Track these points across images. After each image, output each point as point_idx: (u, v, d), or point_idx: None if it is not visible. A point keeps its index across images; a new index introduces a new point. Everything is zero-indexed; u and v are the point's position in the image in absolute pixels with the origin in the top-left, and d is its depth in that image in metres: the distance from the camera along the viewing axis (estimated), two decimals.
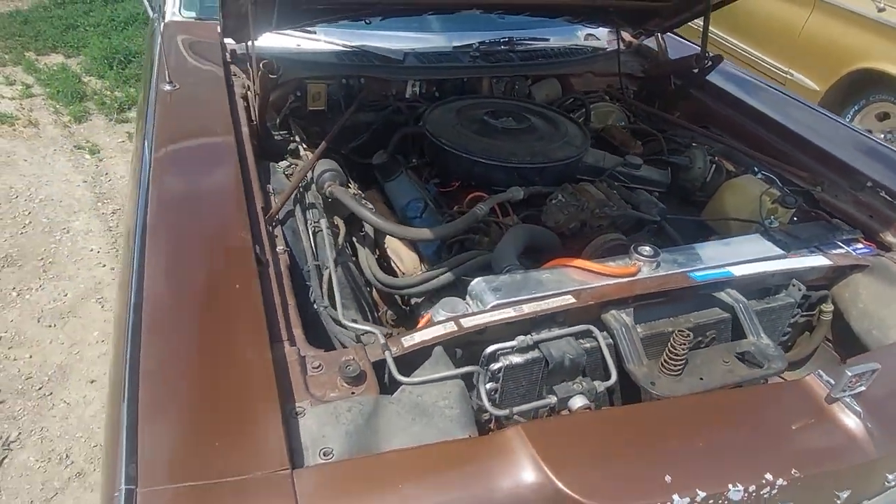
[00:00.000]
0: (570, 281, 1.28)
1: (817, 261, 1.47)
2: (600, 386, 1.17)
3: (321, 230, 1.49)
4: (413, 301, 1.58)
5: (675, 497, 0.83)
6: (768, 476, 0.87)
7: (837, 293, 1.53)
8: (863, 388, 0.97)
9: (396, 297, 1.60)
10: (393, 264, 1.67)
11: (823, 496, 0.92)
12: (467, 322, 1.14)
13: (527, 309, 1.18)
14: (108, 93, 4.32)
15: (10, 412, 2.08)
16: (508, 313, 1.17)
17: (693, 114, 2.26)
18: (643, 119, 2.27)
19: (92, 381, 2.21)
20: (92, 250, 2.84)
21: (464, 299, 1.26)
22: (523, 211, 1.67)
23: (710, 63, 2.15)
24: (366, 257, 1.58)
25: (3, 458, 1.94)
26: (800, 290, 1.43)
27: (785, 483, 0.87)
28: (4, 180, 3.29)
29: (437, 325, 1.13)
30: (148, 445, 0.80)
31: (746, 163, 1.98)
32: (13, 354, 2.28)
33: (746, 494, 0.86)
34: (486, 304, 1.20)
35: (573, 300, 1.21)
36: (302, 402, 0.96)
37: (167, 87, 1.70)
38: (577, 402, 1.13)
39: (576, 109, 2.23)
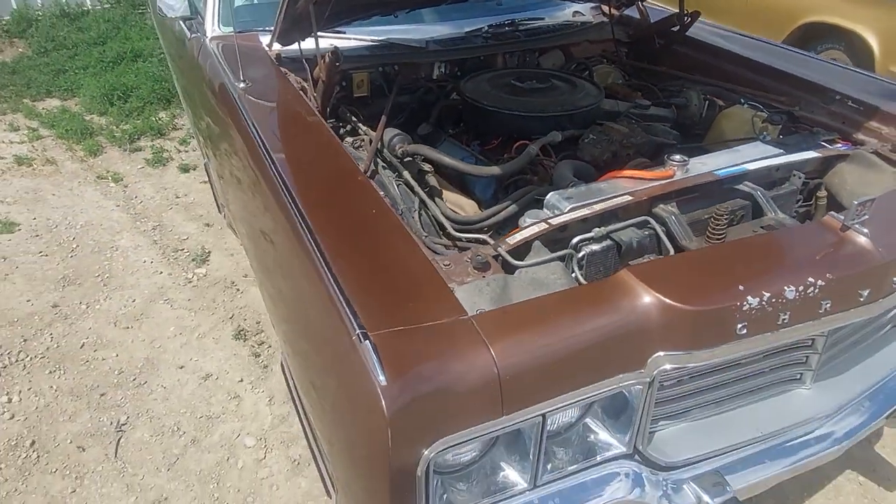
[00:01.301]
0: (622, 187, 1.58)
1: (809, 154, 1.80)
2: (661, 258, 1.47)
3: (401, 182, 1.78)
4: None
5: (749, 298, 1.13)
6: (810, 279, 1.18)
7: (828, 181, 1.86)
8: (867, 216, 1.28)
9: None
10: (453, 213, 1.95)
11: (851, 294, 1.23)
12: (554, 221, 1.43)
13: (597, 207, 1.48)
14: (115, 127, 4.52)
15: (113, 401, 2.29)
16: (583, 212, 1.47)
17: (678, 66, 2.60)
18: (637, 76, 2.60)
19: (181, 367, 2.43)
20: (145, 262, 3.05)
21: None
22: (561, 152, 1.97)
23: (689, 19, 2.49)
24: (436, 205, 1.86)
25: (119, 439, 2.15)
26: (800, 178, 1.76)
27: (822, 283, 1.18)
28: (39, 213, 3.48)
29: (531, 226, 1.42)
30: (358, 304, 1.07)
31: (732, 98, 2.32)
32: (100, 356, 2.49)
33: (797, 293, 1.16)
34: (564, 208, 1.49)
35: (630, 198, 1.52)
36: (450, 283, 1.23)
37: (242, 86, 1.97)
38: None
39: (580, 73, 2.55)
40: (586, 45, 2.66)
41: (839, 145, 1.97)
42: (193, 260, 3.04)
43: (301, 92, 2.07)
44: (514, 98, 2.06)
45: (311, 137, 1.71)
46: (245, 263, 2.99)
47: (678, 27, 2.55)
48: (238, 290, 2.84)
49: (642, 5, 2.73)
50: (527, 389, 1.07)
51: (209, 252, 3.10)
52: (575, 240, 1.43)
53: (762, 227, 1.55)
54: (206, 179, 3.77)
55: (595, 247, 1.45)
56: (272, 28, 2.39)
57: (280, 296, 1.57)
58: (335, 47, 1.87)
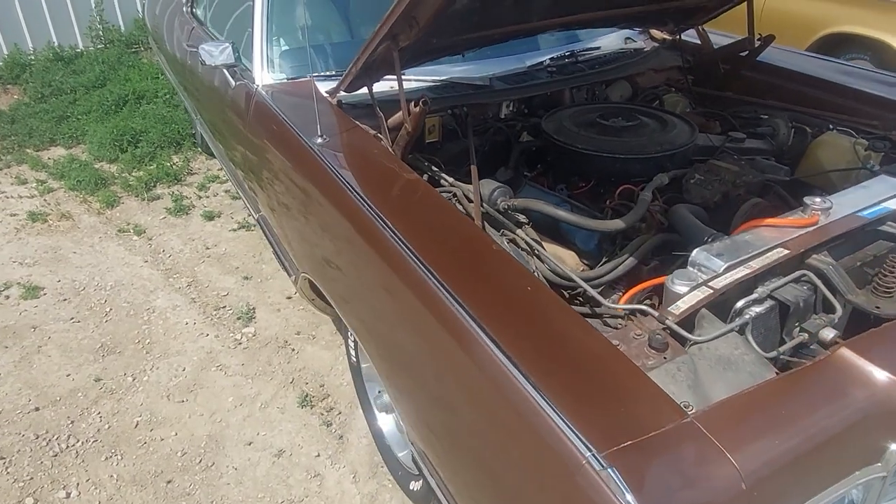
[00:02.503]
0: (769, 238, 1.45)
1: None
2: (834, 318, 1.33)
3: (514, 239, 1.64)
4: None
5: None
6: None
7: None
8: None
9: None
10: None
11: None
12: (718, 283, 1.29)
13: (755, 265, 1.35)
14: (128, 174, 4.34)
15: (182, 490, 2.09)
16: (743, 271, 1.33)
17: (748, 91, 2.49)
18: (703, 104, 2.50)
19: (249, 444, 2.24)
20: (187, 324, 2.86)
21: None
22: (663, 194, 1.84)
23: (760, 43, 2.40)
24: (543, 256, 1.72)
25: None
26: None
27: None
28: (63, 275, 3.27)
29: (693, 292, 1.28)
30: (578, 423, 0.91)
31: (818, 123, 2.22)
32: (158, 435, 2.29)
33: None
34: (718, 267, 1.35)
35: (786, 251, 1.39)
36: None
37: (319, 141, 1.82)
38: (828, 333, 1.28)
39: (649, 103, 2.44)
40: (651, 73, 2.55)
41: None
42: (239, 318, 2.86)
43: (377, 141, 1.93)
44: (608, 139, 1.93)
45: (417, 198, 1.56)
46: (295, 320, 2.82)
47: (748, 52, 2.45)
48: (293, 350, 2.66)
49: (702, 29, 2.63)
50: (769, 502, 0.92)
51: (253, 308, 2.92)
52: (740, 303, 1.30)
53: None
54: (238, 228, 3.60)
55: (759, 309, 1.31)
56: (326, 73, 2.29)
57: (437, 407, 1.36)
58: (424, 95, 1.74)
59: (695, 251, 1.41)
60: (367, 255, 1.48)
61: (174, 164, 4.46)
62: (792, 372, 1.07)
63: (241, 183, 2.73)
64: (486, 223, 1.69)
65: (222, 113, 2.68)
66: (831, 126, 2.18)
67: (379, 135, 1.98)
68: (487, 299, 1.19)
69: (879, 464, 1.01)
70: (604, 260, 1.75)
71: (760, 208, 1.72)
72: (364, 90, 2.02)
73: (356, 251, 1.56)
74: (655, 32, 2.80)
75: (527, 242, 1.62)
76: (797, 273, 1.37)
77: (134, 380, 2.55)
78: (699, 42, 2.66)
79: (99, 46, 6.76)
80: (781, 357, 1.27)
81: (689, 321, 1.25)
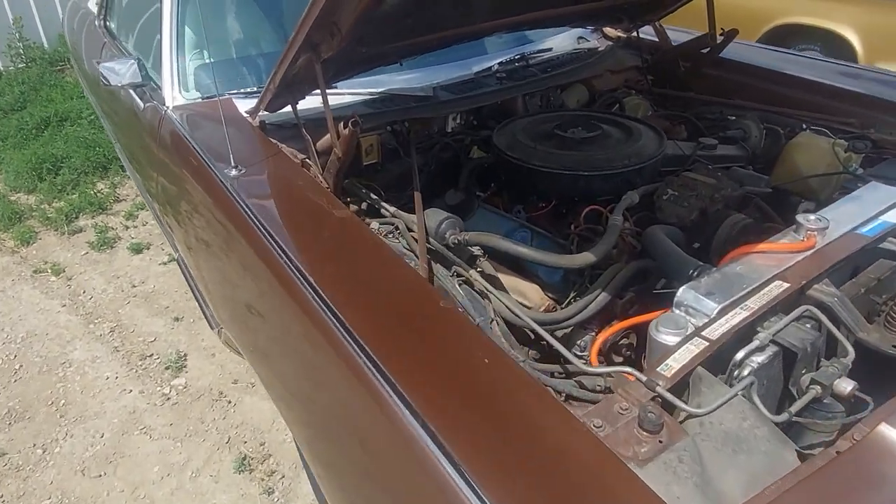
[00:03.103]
0: (763, 268, 1.23)
1: None
2: (847, 364, 1.13)
3: (465, 281, 1.39)
4: (560, 333, 1.50)
5: None
6: None
7: None
8: None
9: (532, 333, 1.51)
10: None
11: None
12: (712, 334, 1.07)
13: (753, 305, 1.13)
14: (47, 205, 3.94)
15: None
16: (740, 314, 1.11)
17: (712, 91, 2.31)
18: (671, 105, 2.31)
19: None
20: (108, 378, 2.53)
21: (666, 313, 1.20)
22: (635, 214, 1.63)
23: (723, 39, 2.22)
24: (502, 299, 1.48)
25: None
26: None
27: None
28: None
29: (687, 346, 1.06)
30: None
31: (790, 123, 2.04)
32: None
33: None
34: (710, 311, 1.13)
35: (786, 284, 1.18)
36: (629, 462, 0.85)
37: (234, 173, 1.54)
38: (845, 385, 1.07)
39: (606, 108, 2.23)
40: (608, 75, 2.34)
41: None
42: (167, 368, 2.54)
43: (304, 169, 1.66)
44: (568, 153, 1.71)
45: (347, 241, 1.30)
46: (231, 366, 2.51)
47: (709, 48, 2.26)
48: (229, 402, 2.36)
49: (660, 25, 2.44)
50: None
51: (184, 355, 2.61)
52: (740, 354, 1.08)
53: None
54: (169, 261, 3.26)
55: (761, 359, 1.09)
56: (245, 90, 2.00)
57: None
58: (355, 115, 1.47)
59: (680, 291, 1.19)
60: (284, 312, 1.22)
61: (99, 191, 4.08)
62: (821, 460, 0.85)
63: (159, 217, 2.42)
64: (433, 262, 1.44)
65: (134, 139, 2.37)
66: (804, 126, 2.00)
67: (308, 160, 1.71)
68: (430, 380, 0.94)
69: None
70: (572, 294, 1.53)
71: (742, 227, 1.52)
72: (289, 108, 1.74)
73: (272, 306, 1.30)
74: (609, 30, 2.61)
75: (482, 285, 1.38)
76: (800, 310, 1.16)
77: (44, 452, 2.21)
78: (657, 39, 2.47)
79: (20, 66, 6.27)
80: (794, 420, 1.05)
81: (681, 383, 1.03)
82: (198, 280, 1.95)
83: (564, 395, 1.16)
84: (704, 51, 2.29)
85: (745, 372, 1.08)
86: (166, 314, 2.88)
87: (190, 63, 2.12)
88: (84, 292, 3.11)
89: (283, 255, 1.23)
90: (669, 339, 1.10)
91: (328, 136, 1.59)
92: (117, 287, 3.13)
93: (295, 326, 1.21)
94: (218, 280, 1.75)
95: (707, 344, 1.05)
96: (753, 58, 2.32)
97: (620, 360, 1.49)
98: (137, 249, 3.43)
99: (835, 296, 1.20)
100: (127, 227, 3.70)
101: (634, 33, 2.45)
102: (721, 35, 2.22)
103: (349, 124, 1.47)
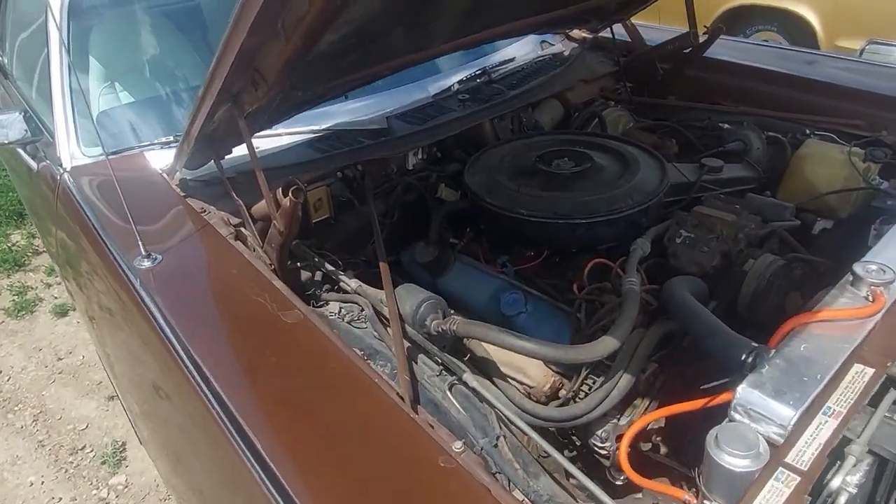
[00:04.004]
0: (832, 346, 0.98)
1: None
2: None
3: (457, 384, 1.10)
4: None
5: None
6: None
7: None
8: None
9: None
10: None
11: None
12: (800, 461, 0.81)
13: (839, 407, 0.88)
14: None
15: None
16: (829, 424, 0.86)
17: (697, 95, 2.08)
18: (652, 113, 2.06)
19: None
20: (32, 484, 2.14)
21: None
22: (645, 263, 1.36)
23: (707, 37, 1.98)
24: (505, 392, 1.19)
25: None
26: None
27: None
28: None
29: (772, 483, 0.79)
30: None
31: (791, 128, 1.82)
32: None
33: None
34: (787, 420, 0.87)
35: (870, 370, 0.93)
36: None
37: (147, 264, 1.20)
38: None
39: (585, 125, 1.97)
40: (581, 85, 2.07)
41: None
42: (104, 463, 2.17)
43: (237, 241, 1.33)
44: (558, 195, 1.43)
45: (308, 370, 0.98)
46: None
47: (691, 48, 2.02)
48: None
49: (631, 24, 2.19)
50: None
51: (123, 444, 2.24)
52: (836, 481, 0.82)
53: None
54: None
55: (857, 478, 0.84)
56: (164, 140, 1.65)
57: None
58: (296, 182, 1.16)
59: (740, 390, 0.92)
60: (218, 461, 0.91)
61: (14, 244, 3.61)
62: None
63: (70, 293, 2.04)
64: (413, 360, 1.14)
65: (32, 202, 1.98)
66: (808, 131, 1.78)
67: (243, 229, 1.39)
68: None
69: None
70: (585, 371, 1.25)
71: (774, 272, 1.27)
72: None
73: (210, 464, 0.98)
74: (575, 32, 2.34)
75: (473, 388, 1.09)
76: (889, 399, 0.92)
77: None
78: (629, 39, 2.21)
79: None
80: None
81: None
82: (123, 396, 1.61)
83: None
84: (686, 51, 2.05)
85: (843, 500, 0.83)
86: (98, 392, 2.49)
87: (91, 110, 1.75)
88: (0, 372, 2.68)
89: (216, 403, 0.91)
90: (739, 462, 0.84)
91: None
92: (39, 362, 2.71)
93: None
94: (144, 405, 1.41)
95: (799, 479, 0.79)
96: (736, 55, 2.09)
97: (648, 446, 1.23)
98: (62, 312, 3.01)
99: None
100: (48, 286, 3.26)
101: (612, 34, 2.19)
102: (704, 32, 1.98)
103: (289, 192, 1.15)
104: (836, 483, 0.83)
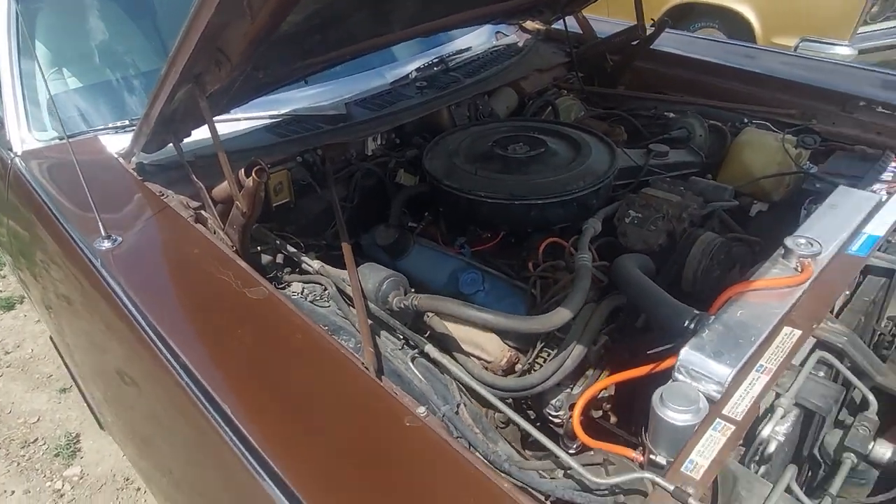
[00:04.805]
0: (765, 312, 1.06)
1: None
2: (875, 419, 0.99)
3: (418, 356, 1.15)
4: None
5: None
6: None
7: None
8: None
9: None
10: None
11: None
12: (735, 412, 0.89)
13: (770, 365, 0.96)
14: None
15: None
16: (760, 379, 0.94)
17: (644, 85, 2.17)
18: (602, 102, 2.15)
19: None
20: None
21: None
22: (596, 242, 1.43)
23: (654, 29, 2.07)
24: (465, 365, 1.24)
25: None
26: None
27: None
28: None
29: (710, 433, 0.86)
30: None
31: (731, 117, 1.92)
32: None
33: None
34: (723, 378, 0.95)
35: (798, 331, 1.01)
36: None
37: (107, 245, 1.20)
38: (883, 451, 0.93)
39: (539, 112, 2.04)
40: (536, 75, 2.14)
41: (894, 164, 1.64)
42: (57, 455, 2.13)
43: (198, 223, 1.34)
44: (515, 178, 1.49)
45: (273, 342, 1.01)
46: None
47: (638, 41, 2.11)
48: (139, 488, 2.00)
49: (582, 17, 2.27)
50: None
51: (76, 436, 2.20)
52: (766, 430, 0.91)
53: None
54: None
55: (785, 428, 0.93)
56: (119, 124, 1.64)
57: None
58: (259, 163, 1.17)
59: (683, 352, 0.99)
60: (197, 459, 0.93)
61: None
62: None
63: (23, 284, 2.00)
64: (376, 334, 1.18)
65: None
66: (746, 120, 1.90)
67: (203, 211, 1.39)
68: None
69: None
70: (540, 345, 1.31)
71: (715, 249, 1.36)
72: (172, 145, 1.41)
73: (174, 436, 1.00)
74: (529, 23, 2.41)
75: (433, 359, 1.13)
76: (813, 359, 1.01)
77: None
78: (580, 31, 2.29)
79: None
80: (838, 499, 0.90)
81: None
82: (79, 380, 1.59)
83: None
84: (634, 43, 2.13)
85: (772, 448, 0.92)
86: (49, 385, 2.43)
87: (43, 93, 1.71)
88: None
89: (180, 368, 0.93)
90: (681, 417, 0.91)
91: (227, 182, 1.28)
92: None
93: (201, 463, 0.92)
94: (107, 387, 1.40)
95: (734, 429, 0.86)
96: (682, 47, 2.20)
97: (599, 413, 1.30)
98: (8, 306, 2.91)
99: (843, 334, 1.05)
100: None
101: (565, 26, 2.26)
102: (651, 25, 2.07)
103: (252, 172, 1.17)
104: (766, 432, 0.91)
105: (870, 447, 0.93)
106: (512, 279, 1.41)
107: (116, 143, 1.54)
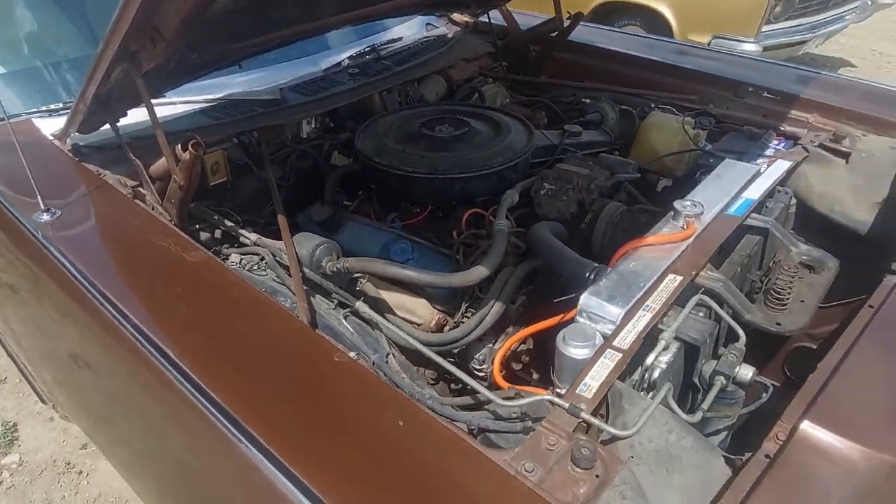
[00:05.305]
0: (654, 263, 1.22)
1: (785, 164, 1.62)
2: (742, 348, 1.15)
3: (350, 315, 1.25)
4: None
5: None
6: None
7: (793, 186, 1.71)
8: None
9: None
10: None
11: None
12: (623, 343, 1.03)
13: (654, 305, 1.11)
14: None
15: None
16: (645, 317, 1.09)
17: (563, 74, 2.33)
18: (525, 90, 2.29)
19: None
20: None
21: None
22: (515, 213, 1.57)
23: (570, 22, 2.23)
24: (394, 329, 1.35)
25: None
26: (787, 193, 1.58)
27: None
28: None
29: (602, 361, 1.01)
30: None
31: (639, 102, 2.11)
32: None
33: None
34: (615, 316, 1.10)
35: (679, 277, 1.18)
36: None
37: (46, 217, 1.25)
38: (745, 372, 1.10)
39: (466, 99, 2.17)
40: (463, 64, 2.27)
41: (779, 142, 1.85)
42: None
43: (137, 201, 1.39)
44: (440, 155, 1.61)
45: (211, 293, 1.09)
46: (77, 430, 2.14)
47: (557, 32, 2.27)
48: (80, 472, 2.01)
49: (507, 10, 2.41)
50: None
51: (14, 425, 2.18)
52: (650, 358, 1.06)
53: (808, 269, 1.32)
54: None
55: (667, 358, 1.09)
56: (50, 107, 1.66)
57: None
58: (195, 137, 1.25)
59: (583, 298, 1.14)
60: (137, 399, 1.00)
61: None
62: (756, 469, 0.83)
63: None
64: (311, 296, 1.27)
65: None
66: (653, 105, 2.08)
67: (141, 188, 1.44)
68: (337, 460, 0.80)
69: None
70: (464, 306, 1.44)
71: (619, 215, 1.52)
72: (108, 126, 1.46)
73: (117, 385, 1.07)
74: (457, 16, 2.54)
75: (370, 314, 1.24)
76: (693, 300, 1.17)
77: None
78: (505, 24, 2.43)
79: None
80: (708, 415, 1.06)
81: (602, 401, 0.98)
82: (21, 357, 1.61)
83: (478, 429, 1.06)
84: (553, 35, 2.29)
85: (656, 374, 1.07)
86: None
87: None
88: None
89: (129, 325, 1.00)
90: (580, 352, 1.05)
91: (164, 158, 1.34)
92: None
93: (154, 412, 1.00)
94: (50, 359, 1.44)
95: (621, 356, 1.01)
96: (598, 40, 2.37)
97: (520, 366, 1.44)
98: None
99: (720, 280, 1.22)
100: None
101: (488, 19, 2.39)
102: (568, 18, 2.23)
103: (189, 146, 1.24)
104: (649, 360, 1.06)
105: (736, 371, 1.10)
106: (438, 247, 1.53)
107: (51, 126, 1.57)
